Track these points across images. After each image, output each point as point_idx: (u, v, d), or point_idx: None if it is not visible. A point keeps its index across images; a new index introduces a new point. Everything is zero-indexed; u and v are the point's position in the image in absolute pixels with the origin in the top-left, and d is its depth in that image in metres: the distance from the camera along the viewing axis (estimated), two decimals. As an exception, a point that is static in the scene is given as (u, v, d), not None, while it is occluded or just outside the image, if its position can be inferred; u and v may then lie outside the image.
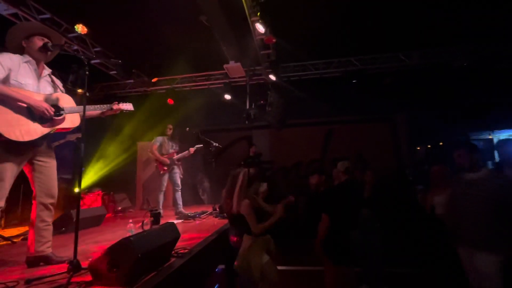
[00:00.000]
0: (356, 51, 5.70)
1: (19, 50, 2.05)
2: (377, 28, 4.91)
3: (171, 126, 4.81)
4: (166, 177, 4.62)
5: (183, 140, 5.10)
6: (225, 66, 5.39)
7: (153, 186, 6.40)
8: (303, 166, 7.21)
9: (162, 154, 4.64)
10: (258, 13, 3.73)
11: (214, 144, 4.96)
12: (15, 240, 3.06)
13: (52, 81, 2.20)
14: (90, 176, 5.79)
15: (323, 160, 7.08)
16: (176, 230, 2.20)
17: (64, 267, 1.88)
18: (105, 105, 2.35)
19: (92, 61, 4.90)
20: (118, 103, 2.45)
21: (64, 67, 3.87)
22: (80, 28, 4.01)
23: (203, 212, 4.49)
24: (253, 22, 4.02)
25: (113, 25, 4.71)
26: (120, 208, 5.49)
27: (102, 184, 5.72)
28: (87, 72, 1.83)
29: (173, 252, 2.23)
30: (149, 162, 6.45)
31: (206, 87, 6.42)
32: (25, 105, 1.88)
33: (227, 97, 6.05)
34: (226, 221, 3.88)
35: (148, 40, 5.15)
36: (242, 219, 2.40)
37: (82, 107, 1.89)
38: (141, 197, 6.35)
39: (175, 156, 4.69)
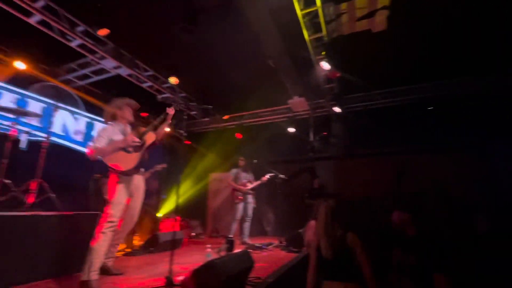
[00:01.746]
0: (427, 77, 5.33)
1: (113, 117, 2.73)
2: (456, 49, 4.55)
3: (242, 158, 5.14)
4: (241, 206, 4.82)
5: (251, 172, 5.39)
6: (289, 101, 5.71)
7: (221, 214, 6.81)
8: (374, 200, 6.63)
9: (238, 184, 4.96)
10: (323, 52, 3.96)
11: (280, 175, 5.09)
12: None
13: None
14: (170, 203, 6.56)
15: (397, 194, 6.39)
16: (250, 259, 2.33)
17: (157, 281, 2.20)
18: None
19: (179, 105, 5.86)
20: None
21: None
22: (173, 80, 4.95)
23: (269, 244, 4.52)
24: (318, 60, 4.26)
25: (194, 73, 5.64)
26: (194, 234, 5.97)
27: (179, 210, 6.37)
28: (185, 117, 2.26)
29: (247, 280, 2.34)
30: (218, 192, 6.98)
31: (271, 121, 6.83)
32: (122, 147, 2.53)
33: (291, 130, 6.28)
34: (294, 254, 3.83)
35: (221, 82, 5.93)
36: (344, 259, 2.06)
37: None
38: (211, 225, 6.79)
39: (249, 186, 4.95)
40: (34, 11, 3.75)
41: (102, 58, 4.76)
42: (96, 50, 4.53)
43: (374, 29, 3.92)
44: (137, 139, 2.60)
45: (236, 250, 3.31)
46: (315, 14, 3.81)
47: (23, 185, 3.17)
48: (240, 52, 4.89)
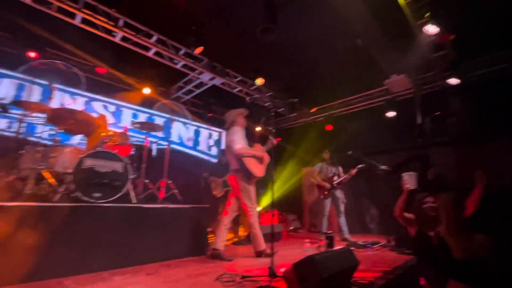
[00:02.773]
0: None
1: (232, 124, 3.34)
2: None
3: (327, 151, 4.95)
4: (327, 201, 4.67)
5: (347, 164, 5.03)
6: (386, 82, 4.99)
7: (317, 209, 6.66)
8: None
9: (322, 180, 4.82)
10: (427, 14, 3.24)
11: (381, 166, 4.53)
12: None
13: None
14: (267, 198, 6.91)
15: None
16: (354, 258, 2.14)
17: (261, 270, 2.33)
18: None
19: (266, 104, 6.12)
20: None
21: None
22: (259, 81, 5.20)
23: (375, 243, 4.08)
24: (420, 26, 3.53)
25: (279, 70, 5.72)
26: (291, 227, 6.09)
27: (276, 205, 6.61)
28: (272, 114, 2.32)
29: (351, 280, 2.17)
30: (312, 187, 6.85)
31: (365, 107, 6.16)
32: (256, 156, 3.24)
33: (391, 114, 5.46)
34: (407, 257, 3.31)
35: (306, 74, 5.78)
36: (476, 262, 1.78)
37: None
38: (308, 219, 6.76)
39: (335, 180, 4.70)
40: (150, 46, 4.71)
41: (200, 73, 5.50)
42: (195, 67, 5.28)
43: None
44: (264, 154, 3.31)
45: (337, 247, 3.15)
46: (411, -29, 3.16)
47: (156, 184, 4.04)
48: (322, 40, 4.62)
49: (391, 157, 5.39)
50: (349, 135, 5.95)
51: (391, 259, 3.20)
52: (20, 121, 3.25)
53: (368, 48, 4.36)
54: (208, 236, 3.52)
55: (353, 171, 4.62)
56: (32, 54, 4.40)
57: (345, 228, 4.54)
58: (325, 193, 4.68)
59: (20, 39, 4.38)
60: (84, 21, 4.08)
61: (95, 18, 4.05)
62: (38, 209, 2.24)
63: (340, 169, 4.82)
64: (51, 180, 2.80)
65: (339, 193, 4.69)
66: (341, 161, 5.15)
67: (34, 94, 4.38)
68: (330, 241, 3.31)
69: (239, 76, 5.79)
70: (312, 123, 7.15)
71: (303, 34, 4.55)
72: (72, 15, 3.98)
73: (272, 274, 2.11)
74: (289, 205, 6.83)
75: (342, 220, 4.58)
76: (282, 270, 2.16)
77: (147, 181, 3.93)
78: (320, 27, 4.28)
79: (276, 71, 5.70)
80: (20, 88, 4.49)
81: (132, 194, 3.14)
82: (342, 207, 4.63)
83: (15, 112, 3.39)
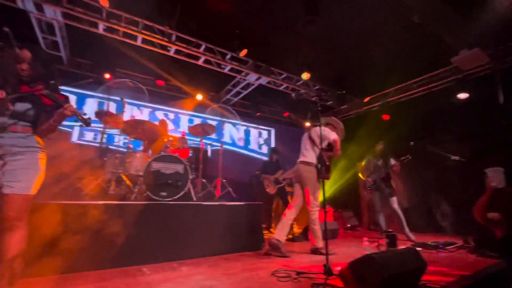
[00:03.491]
0: None
1: (326, 125, 3.45)
2: None
3: (381, 143, 4.60)
4: (376, 197, 4.39)
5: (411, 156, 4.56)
6: (453, 59, 4.34)
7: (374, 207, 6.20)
8: None
9: (367, 174, 4.52)
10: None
11: (452, 157, 3.98)
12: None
13: None
14: (321, 194, 6.69)
15: None
16: (420, 259, 1.96)
17: (317, 268, 2.30)
18: None
19: (313, 98, 5.96)
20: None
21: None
22: (305, 76, 5.10)
23: (448, 243, 3.61)
24: (494, -11, 2.98)
25: (325, 62, 5.49)
26: (349, 225, 5.81)
27: (332, 201, 6.39)
28: (319, 108, 2.27)
29: (419, 283, 1.99)
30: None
31: (427, 92, 5.46)
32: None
33: (463, 96, 4.73)
34: (490, 260, 2.86)
35: (354, 63, 5.42)
36: None
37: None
38: (367, 217, 6.35)
39: (380, 175, 4.34)
40: (200, 55, 5.06)
41: (247, 74, 5.67)
42: (241, 69, 5.47)
43: None
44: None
45: (401, 247, 2.90)
46: None
47: (212, 183, 4.34)
48: (371, 22, 4.27)
49: (464, 146, 4.67)
50: (410, 124, 5.35)
51: (469, 262, 2.81)
52: (102, 133, 3.89)
53: (427, 24, 3.86)
54: (263, 232, 3.63)
55: (398, 164, 4.23)
56: (107, 76, 5.18)
57: (404, 225, 4.16)
58: (368, 188, 4.45)
59: (98, 64, 5.21)
60: (143, 41, 4.62)
61: (152, 37, 4.55)
62: (119, 206, 2.65)
63: (392, 162, 4.41)
64: (128, 182, 3.27)
65: (386, 189, 4.32)
66: (402, 153, 4.70)
67: (111, 110, 5.15)
68: (392, 240, 3.06)
69: (284, 73, 5.77)
70: (366, 113, 6.67)
71: (349, 19, 4.28)
72: (134, 38, 4.54)
73: (328, 272, 2.08)
74: (345, 201, 6.52)
75: (398, 218, 4.20)
76: (338, 268, 2.10)
77: (204, 180, 4.25)
78: (367, 8, 3.97)
79: (322, 63, 5.49)
80: (101, 105, 5.35)
81: (192, 192, 3.45)
82: (392, 203, 4.23)
83: (98, 125, 4.06)
